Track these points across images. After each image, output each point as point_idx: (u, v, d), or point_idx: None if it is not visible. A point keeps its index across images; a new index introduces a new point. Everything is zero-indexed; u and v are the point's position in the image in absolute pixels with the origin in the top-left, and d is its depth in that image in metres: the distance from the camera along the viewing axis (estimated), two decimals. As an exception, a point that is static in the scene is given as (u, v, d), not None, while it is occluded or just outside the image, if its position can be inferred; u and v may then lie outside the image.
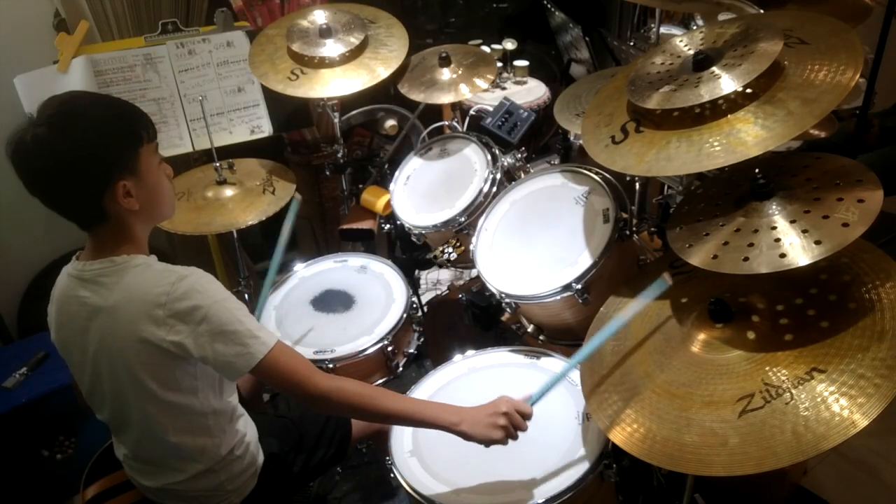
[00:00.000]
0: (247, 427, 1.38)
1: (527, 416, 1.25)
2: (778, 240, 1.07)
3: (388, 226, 2.25)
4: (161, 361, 1.15)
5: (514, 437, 1.24)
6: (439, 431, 1.26)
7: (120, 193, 1.12)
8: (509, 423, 1.22)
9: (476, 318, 1.84)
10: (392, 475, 1.36)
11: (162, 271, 1.16)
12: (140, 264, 1.16)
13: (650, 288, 1.24)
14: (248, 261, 2.60)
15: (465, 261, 1.83)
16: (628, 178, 1.73)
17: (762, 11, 1.52)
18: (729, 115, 1.17)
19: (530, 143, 2.77)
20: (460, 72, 2.21)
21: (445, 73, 2.20)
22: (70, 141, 1.08)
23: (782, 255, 1.04)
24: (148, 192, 1.17)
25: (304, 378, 1.20)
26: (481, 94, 2.37)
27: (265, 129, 2.37)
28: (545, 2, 2.82)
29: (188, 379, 1.20)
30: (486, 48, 2.70)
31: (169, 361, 1.16)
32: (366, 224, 2.22)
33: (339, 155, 2.40)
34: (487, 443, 1.23)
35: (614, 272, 1.52)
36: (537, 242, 1.62)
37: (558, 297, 1.48)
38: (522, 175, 1.94)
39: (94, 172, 1.11)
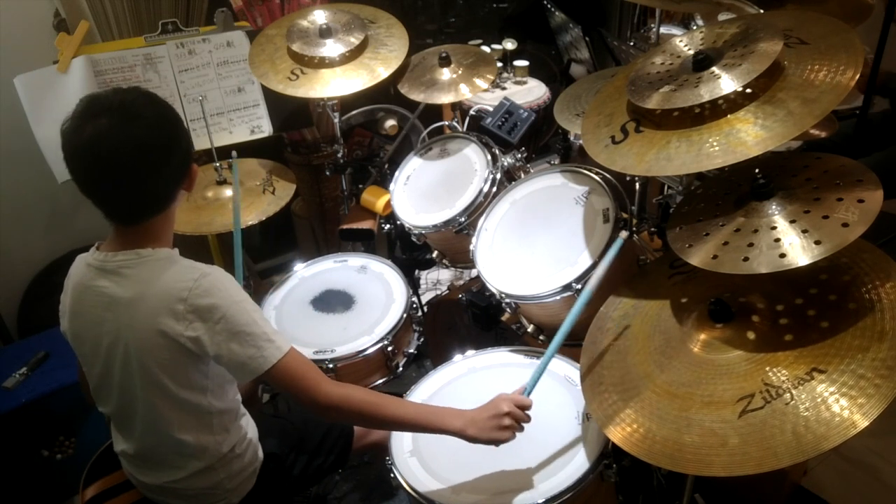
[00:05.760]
0: (248, 426, 1.39)
1: (526, 408, 1.26)
2: (778, 240, 1.07)
3: (388, 226, 2.25)
4: (176, 357, 1.16)
5: (521, 430, 1.26)
6: (439, 431, 1.27)
7: (192, 178, 1.21)
8: (513, 421, 1.24)
9: (476, 318, 1.84)
10: (392, 475, 1.36)
11: (186, 267, 1.17)
12: (164, 258, 1.17)
13: (611, 248, 1.33)
14: (248, 261, 2.60)
15: (464, 260, 1.82)
16: (628, 178, 1.73)
17: (762, 11, 1.52)
18: (729, 115, 1.17)
19: (530, 143, 2.77)
20: (460, 72, 2.21)
21: (445, 73, 2.20)
22: (159, 128, 1.13)
23: (782, 255, 1.04)
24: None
25: (312, 385, 1.20)
26: (481, 94, 2.36)
27: (265, 129, 2.37)
28: (545, 2, 2.82)
29: (199, 377, 1.21)
30: (486, 48, 2.70)
31: (184, 358, 1.16)
32: (366, 224, 2.22)
33: (339, 155, 2.40)
34: (496, 444, 1.24)
35: (614, 272, 1.51)
36: (537, 242, 1.62)
37: (558, 297, 1.48)
38: (522, 175, 1.94)
39: (183, 158, 1.17)
